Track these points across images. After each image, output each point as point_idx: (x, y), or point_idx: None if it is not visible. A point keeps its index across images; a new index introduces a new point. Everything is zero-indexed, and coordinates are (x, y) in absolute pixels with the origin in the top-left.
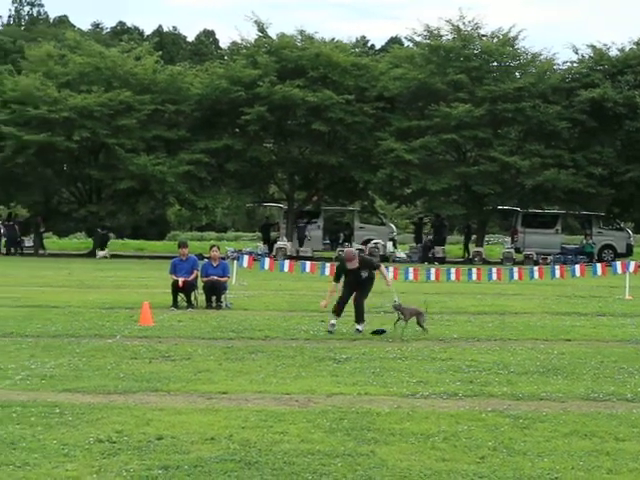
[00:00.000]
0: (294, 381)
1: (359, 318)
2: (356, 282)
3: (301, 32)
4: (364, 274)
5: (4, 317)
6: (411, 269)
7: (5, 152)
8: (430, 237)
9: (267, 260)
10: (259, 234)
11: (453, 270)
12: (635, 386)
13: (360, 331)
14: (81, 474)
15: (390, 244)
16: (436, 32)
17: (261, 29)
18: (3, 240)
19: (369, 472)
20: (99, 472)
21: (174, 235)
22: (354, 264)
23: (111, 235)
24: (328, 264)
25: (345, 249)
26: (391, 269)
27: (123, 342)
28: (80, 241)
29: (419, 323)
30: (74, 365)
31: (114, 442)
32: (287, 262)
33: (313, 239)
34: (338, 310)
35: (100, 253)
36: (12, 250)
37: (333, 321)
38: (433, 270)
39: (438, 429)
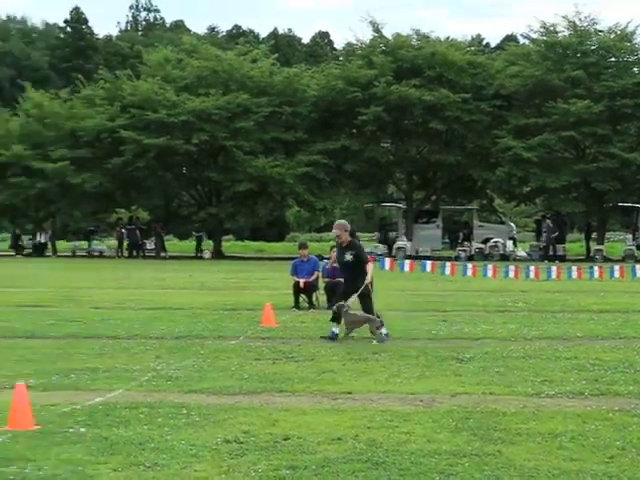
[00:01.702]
0: (418, 381)
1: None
2: (342, 266)
3: (416, 32)
4: (348, 257)
5: (129, 319)
6: (532, 267)
7: (125, 156)
8: (554, 235)
9: (387, 260)
10: (377, 234)
11: (574, 268)
12: None
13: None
14: (210, 475)
15: (510, 243)
16: (552, 28)
17: (376, 29)
18: (125, 243)
19: (496, 472)
20: (227, 472)
21: (293, 236)
22: (338, 233)
23: (204, 237)
24: (448, 263)
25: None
26: (512, 268)
27: (246, 343)
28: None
29: (371, 331)
30: (199, 366)
31: (241, 443)
32: (407, 262)
33: (432, 238)
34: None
35: (206, 254)
36: (134, 253)
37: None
38: (554, 268)
39: (565, 429)
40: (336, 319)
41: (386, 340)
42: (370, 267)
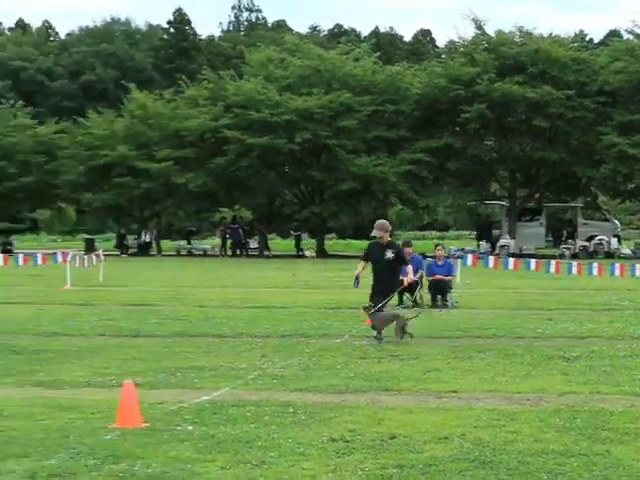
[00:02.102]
0: (524, 380)
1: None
2: (380, 265)
3: (519, 28)
4: (389, 254)
5: (233, 318)
6: (638, 265)
7: (229, 156)
8: None
9: (491, 258)
10: (475, 232)
11: None
12: None
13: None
14: (317, 473)
15: (615, 240)
16: None
17: (478, 26)
18: (229, 242)
19: (605, 472)
20: (335, 471)
21: (396, 235)
22: (382, 234)
23: (304, 235)
24: (553, 261)
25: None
26: (617, 265)
27: (351, 342)
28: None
29: (397, 329)
30: (304, 365)
31: (347, 441)
32: (511, 260)
33: (536, 236)
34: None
35: (308, 252)
36: (238, 252)
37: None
38: None
39: None
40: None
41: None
42: (410, 269)
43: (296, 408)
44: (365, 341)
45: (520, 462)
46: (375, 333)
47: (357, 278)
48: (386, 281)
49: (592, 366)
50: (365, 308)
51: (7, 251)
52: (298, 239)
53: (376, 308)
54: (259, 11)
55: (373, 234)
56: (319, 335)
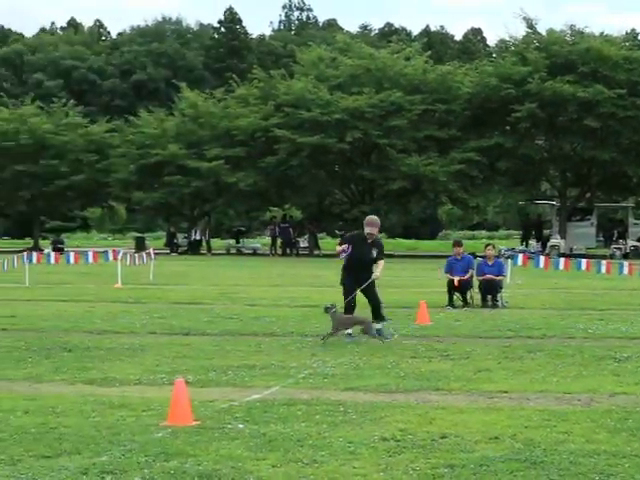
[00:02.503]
0: (575, 380)
1: (377, 315)
2: (361, 262)
3: (571, 27)
4: (374, 253)
5: (284, 317)
6: None
7: (279, 155)
8: None
9: (542, 258)
10: (521, 232)
11: None
12: None
13: (380, 331)
14: (368, 472)
15: None
16: None
17: (530, 25)
18: (279, 241)
19: None
20: (386, 470)
21: (445, 234)
22: (373, 229)
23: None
24: (604, 262)
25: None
26: None
27: (402, 341)
28: None
29: (364, 332)
30: (355, 364)
31: (398, 440)
32: (562, 260)
33: (586, 236)
34: (349, 308)
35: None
36: (288, 251)
37: (349, 330)
38: None
39: None
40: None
41: (383, 336)
42: (382, 264)
43: (347, 407)
44: (415, 340)
45: (571, 463)
46: (331, 331)
47: (344, 251)
48: (363, 279)
49: None
50: (327, 309)
51: (59, 249)
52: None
53: (349, 300)
54: (310, 10)
55: (367, 231)
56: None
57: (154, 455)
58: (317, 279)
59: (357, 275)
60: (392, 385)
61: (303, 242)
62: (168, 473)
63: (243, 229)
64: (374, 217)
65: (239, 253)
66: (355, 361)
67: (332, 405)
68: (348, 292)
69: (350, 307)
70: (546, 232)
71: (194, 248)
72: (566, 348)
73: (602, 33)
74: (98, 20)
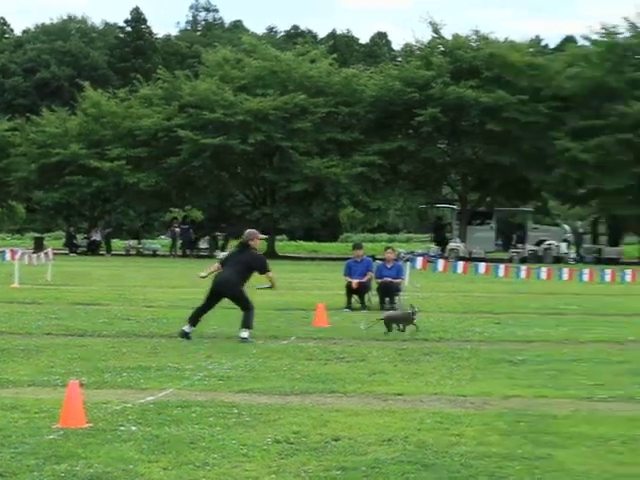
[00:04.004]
0: (469, 383)
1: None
2: (236, 262)
3: (476, 32)
4: (243, 258)
5: (181, 318)
6: (586, 270)
7: (182, 156)
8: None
9: (440, 262)
10: (431, 235)
11: (628, 271)
12: None
13: (245, 339)
14: (260, 474)
15: (564, 245)
16: (612, 30)
17: (435, 30)
18: (179, 242)
19: (547, 475)
20: (277, 472)
21: (346, 237)
22: (256, 244)
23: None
24: (502, 265)
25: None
26: (566, 270)
27: (298, 343)
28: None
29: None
30: (250, 366)
31: (291, 443)
32: (460, 263)
33: (486, 240)
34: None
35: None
36: (187, 252)
37: (245, 334)
38: (608, 271)
39: (616, 433)
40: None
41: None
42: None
43: (241, 409)
44: (312, 343)
45: (462, 465)
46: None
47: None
48: (232, 281)
49: (537, 370)
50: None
51: None
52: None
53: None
54: (216, 11)
55: (254, 245)
56: (266, 336)
57: (44, 457)
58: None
59: (228, 276)
60: (287, 387)
61: (203, 243)
62: (58, 476)
63: (142, 225)
64: (253, 230)
65: (139, 254)
66: (251, 363)
67: (226, 407)
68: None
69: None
70: (447, 235)
71: (93, 249)
72: (462, 351)
73: (507, 39)
74: (2, 18)
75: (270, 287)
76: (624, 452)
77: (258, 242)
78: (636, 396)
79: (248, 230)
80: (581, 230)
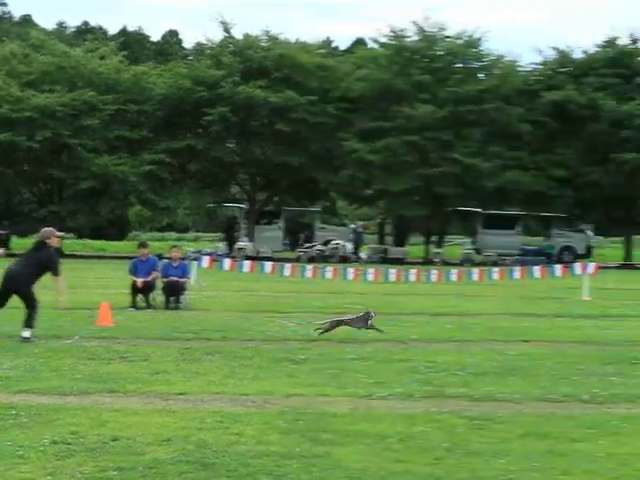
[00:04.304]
0: (251, 382)
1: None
2: (34, 260)
3: (266, 32)
4: (40, 256)
5: None
6: (371, 270)
7: None
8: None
9: (227, 261)
10: (221, 234)
11: (413, 271)
12: (591, 387)
13: (27, 338)
14: (35, 476)
15: (350, 245)
16: (401, 33)
17: (226, 29)
18: None
19: (324, 473)
20: (53, 474)
21: (135, 235)
22: (53, 242)
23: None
24: (288, 265)
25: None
26: (351, 270)
27: (81, 343)
28: None
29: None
30: (30, 366)
31: (69, 444)
32: (247, 263)
33: (274, 239)
34: None
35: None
36: None
37: (26, 333)
38: (393, 271)
39: (394, 430)
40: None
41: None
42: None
43: (19, 410)
44: (95, 342)
45: (241, 464)
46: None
47: None
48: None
49: (319, 369)
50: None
51: None
52: (5, 237)
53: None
54: (4, 5)
55: (52, 243)
56: (49, 336)
57: None
58: None
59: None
60: (67, 387)
61: None
62: None
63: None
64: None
65: None
66: (32, 363)
67: (3, 408)
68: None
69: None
70: (236, 235)
71: None
72: (245, 350)
73: (297, 40)
74: None
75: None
76: (401, 449)
77: (56, 240)
78: (415, 394)
79: (45, 228)
80: (360, 230)
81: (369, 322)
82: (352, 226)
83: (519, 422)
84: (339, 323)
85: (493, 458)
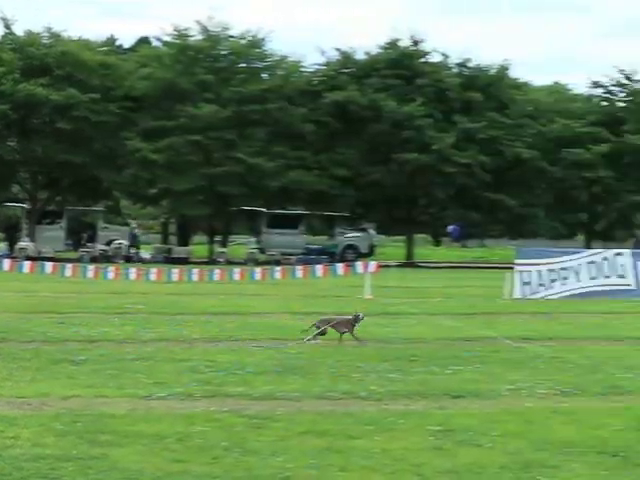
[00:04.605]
0: (29, 384)
1: None
2: None
3: (49, 29)
4: None
5: None
6: (154, 270)
7: None
8: None
9: (6, 261)
10: (1, 235)
11: (195, 271)
12: (369, 384)
13: None
14: None
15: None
16: (184, 32)
17: (7, 25)
18: None
19: (101, 475)
20: None
21: None
22: None
23: None
24: (69, 265)
25: None
26: (133, 270)
27: None
28: None
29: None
30: None
31: None
32: (27, 263)
33: (56, 239)
34: None
35: None
36: None
37: None
38: (176, 271)
39: (172, 430)
40: None
41: None
42: None
43: None
44: None
45: (15, 468)
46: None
47: None
48: None
49: (99, 369)
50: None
51: None
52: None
53: None
54: None
55: None
56: None
57: None
58: None
59: None
60: None
61: None
62: None
63: None
64: None
65: None
66: None
67: None
68: None
69: None
70: (17, 235)
71: None
72: (23, 352)
73: (80, 37)
74: None
75: None
76: (179, 449)
77: None
78: (195, 393)
79: None
80: (135, 231)
81: (355, 326)
82: (133, 225)
83: (298, 420)
84: (328, 322)
85: (271, 456)
